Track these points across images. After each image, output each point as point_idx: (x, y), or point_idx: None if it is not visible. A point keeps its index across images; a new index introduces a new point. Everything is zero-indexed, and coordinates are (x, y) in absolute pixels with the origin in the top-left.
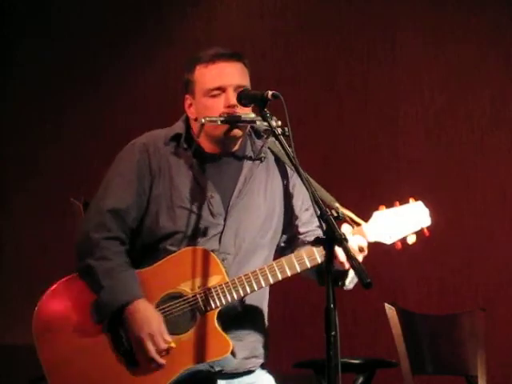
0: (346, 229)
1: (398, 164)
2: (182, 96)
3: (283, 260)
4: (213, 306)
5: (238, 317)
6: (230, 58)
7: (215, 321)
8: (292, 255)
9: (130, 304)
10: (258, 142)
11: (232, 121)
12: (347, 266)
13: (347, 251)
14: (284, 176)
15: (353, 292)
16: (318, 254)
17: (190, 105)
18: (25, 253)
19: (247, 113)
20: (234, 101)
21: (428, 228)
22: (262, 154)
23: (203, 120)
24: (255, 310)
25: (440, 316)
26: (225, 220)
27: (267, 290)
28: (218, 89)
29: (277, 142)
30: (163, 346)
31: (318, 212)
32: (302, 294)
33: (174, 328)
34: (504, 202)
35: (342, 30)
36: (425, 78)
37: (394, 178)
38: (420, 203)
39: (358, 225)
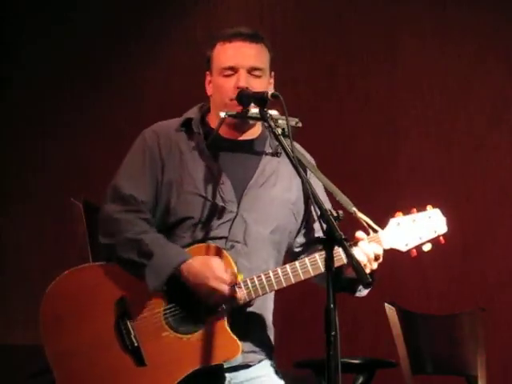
0: (361, 235)
1: (397, 164)
2: (203, 77)
3: (297, 263)
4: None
5: (244, 316)
6: (248, 38)
7: (225, 321)
8: (305, 258)
9: (186, 261)
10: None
11: (252, 118)
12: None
13: (347, 251)
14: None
15: None
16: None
17: (210, 82)
18: (25, 253)
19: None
20: (243, 83)
21: (444, 236)
22: (279, 150)
23: (223, 114)
24: (260, 309)
25: (440, 316)
26: (238, 208)
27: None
28: (231, 69)
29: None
30: (225, 277)
31: (318, 212)
32: (302, 294)
33: (182, 328)
34: (504, 202)
35: (342, 31)
36: (425, 79)
37: (393, 178)
38: (437, 210)
39: (375, 231)
